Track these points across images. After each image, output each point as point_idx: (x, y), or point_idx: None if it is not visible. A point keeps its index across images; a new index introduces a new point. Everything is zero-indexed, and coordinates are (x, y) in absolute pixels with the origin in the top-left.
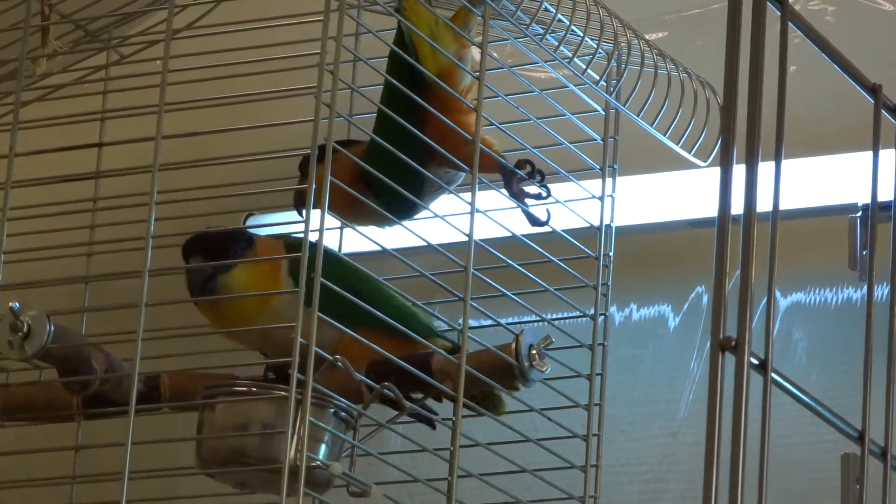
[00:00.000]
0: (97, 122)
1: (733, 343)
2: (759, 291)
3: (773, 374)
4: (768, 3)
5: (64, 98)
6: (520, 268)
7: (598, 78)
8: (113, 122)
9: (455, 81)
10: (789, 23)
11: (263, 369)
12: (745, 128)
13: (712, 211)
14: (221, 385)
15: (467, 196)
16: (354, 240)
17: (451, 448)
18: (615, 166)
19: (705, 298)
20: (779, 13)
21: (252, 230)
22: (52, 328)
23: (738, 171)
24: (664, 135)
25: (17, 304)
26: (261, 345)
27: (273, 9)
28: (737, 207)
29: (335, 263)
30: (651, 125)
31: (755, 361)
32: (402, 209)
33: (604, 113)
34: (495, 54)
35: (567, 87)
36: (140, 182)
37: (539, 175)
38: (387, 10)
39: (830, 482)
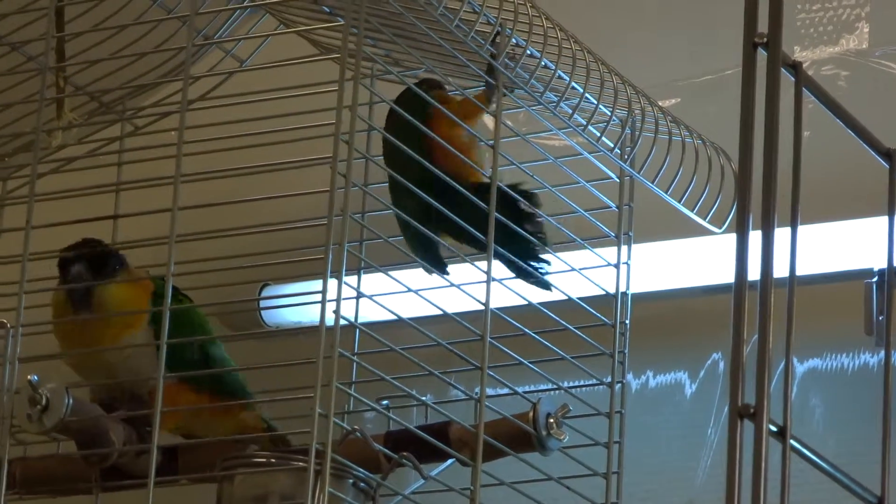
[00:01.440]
0: (112, 194)
1: (752, 410)
2: (774, 358)
3: (792, 441)
4: (782, 69)
5: (79, 170)
6: (536, 336)
7: (612, 145)
8: (127, 192)
9: (474, 154)
10: (803, 88)
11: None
12: (759, 194)
13: (727, 277)
14: (240, 456)
15: (483, 265)
16: (371, 309)
17: None
18: (630, 233)
19: (721, 365)
20: (793, 79)
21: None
22: (71, 401)
23: (754, 238)
24: (679, 202)
25: (36, 377)
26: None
27: (286, 79)
28: (752, 274)
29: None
30: (666, 192)
31: (773, 428)
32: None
33: (618, 180)
34: (509, 122)
35: (581, 154)
36: (156, 253)
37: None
38: (400, 80)
39: None
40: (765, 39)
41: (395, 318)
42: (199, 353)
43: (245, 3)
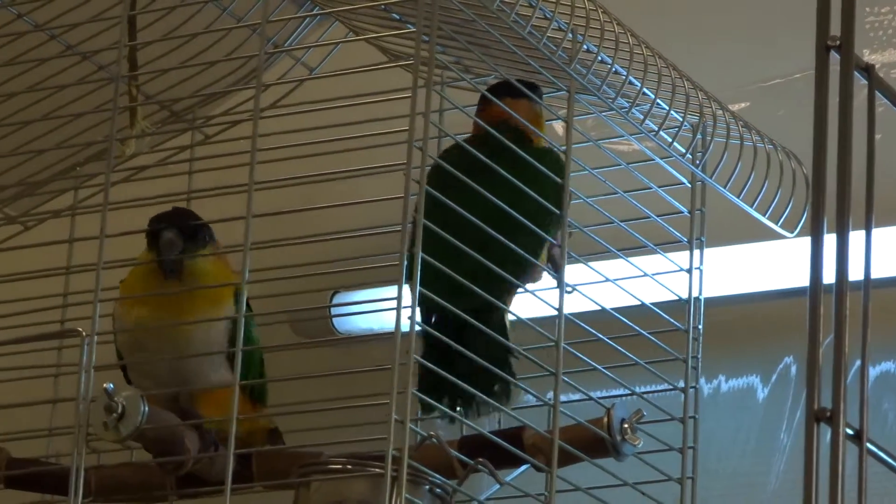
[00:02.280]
0: (183, 203)
1: (828, 414)
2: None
3: (869, 444)
4: (855, 72)
5: (149, 178)
6: (610, 341)
7: (684, 150)
8: (196, 201)
9: None
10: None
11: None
12: (832, 197)
13: (799, 281)
14: (316, 463)
15: None
16: None
17: None
18: (702, 238)
19: (794, 369)
20: (865, 82)
21: None
22: (147, 409)
23: (827, 241)
24: (751, 206)
25: (112, 385)
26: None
27: (355, 86)
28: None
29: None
30: (738, 197)
31: (850, 432)
32: None
33: (690, 185)
34: (580, 128)
35: (653, 160)
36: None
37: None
38: (473, 86)
39: None
40: (837, 42)
41: None
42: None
43: (315, 12)
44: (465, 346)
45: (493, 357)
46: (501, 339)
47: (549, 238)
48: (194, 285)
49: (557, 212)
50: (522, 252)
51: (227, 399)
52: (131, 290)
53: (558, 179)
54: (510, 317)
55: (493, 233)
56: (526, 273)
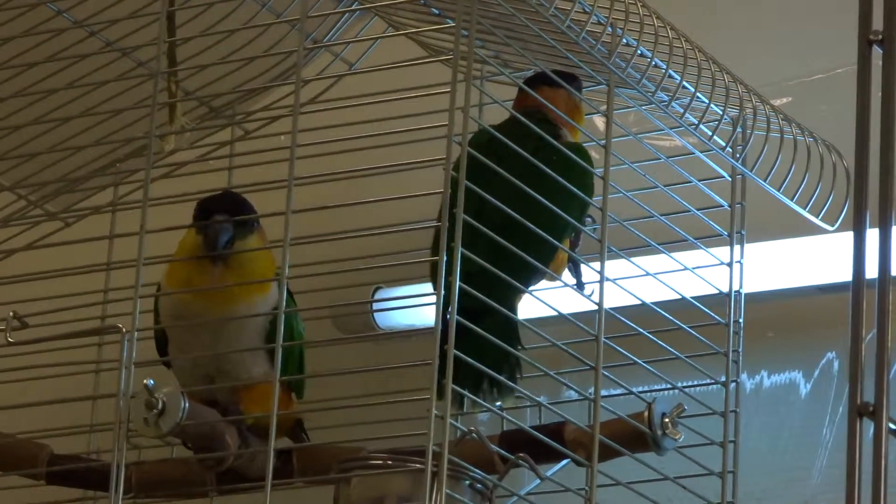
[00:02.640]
0: None
1: (871, 409)
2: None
3: None
4: None
5: (189, 174)
6: (650, 336)
7: (724, 144)
8: None
9: None
10: None
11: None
12: (874, 190)
13: (840, 276)
14: (357, 458)
15: (596, 265)
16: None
17: None
18: (743, 232)
19: (836, 364)
20: None
21: None
22: (187, 405)
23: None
24: (791, 199)
25: (152, 382)
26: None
27: (394, 81)
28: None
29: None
30: (778, 190)
31: (893, 426)
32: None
33: (730, 179)
34: (620, 122)
35: (693, 153)
36: None
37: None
38: (512, 80)
39: None
40: (880, 37)
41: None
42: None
43: (354, 7)
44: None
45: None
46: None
47: (576, 224)
48: (240, 270)
49: (587, 200)
50: (547, 237)
51: (267, 393)
52: (177, 273)
53: (590, 169)
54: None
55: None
56: (546, 259)
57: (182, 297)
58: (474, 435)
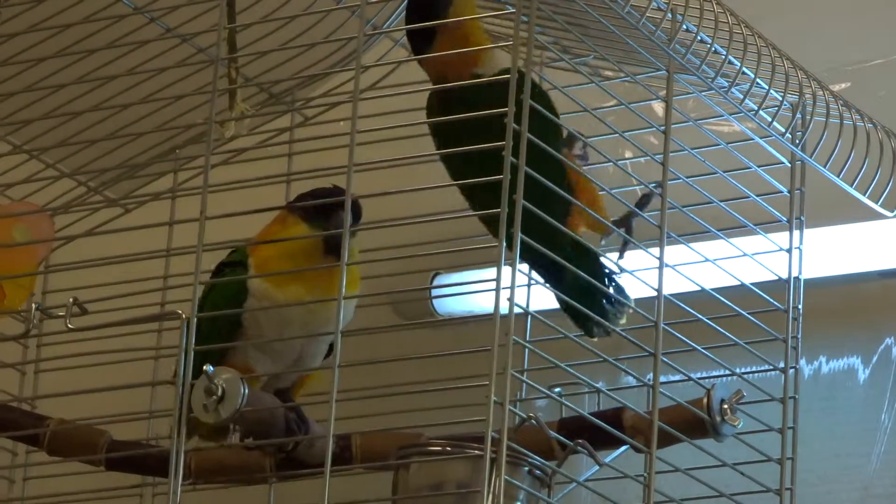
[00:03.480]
0: (280, 184)
1: None
2: None
3: None
4: None
5: (249, 161)
6: (709, 322)
7: (783, 130)
8: (296, 182)
9: None
10: None
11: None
12: None
13: None
14: (416, 445)
15: (655, 251)
16: (543, 296)
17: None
18: (802, 218)
19: (895, 349)
20: None
21: None
22: (246, 391)
23: None
24: (851, 185)
25: (212, 368)
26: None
27: None
28: None
29: None
30: (837, 176)
31: None
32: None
33: (790, 165)
34: (679, 108)
35: (752, 139)
36: None
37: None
38: (572, 67)
39: None
40: None
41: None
42: None
43: None
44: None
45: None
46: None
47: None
48: (350, 267)
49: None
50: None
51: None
52: (288, 264)
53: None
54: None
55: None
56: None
57: (296, 291)
58: (533, 421)
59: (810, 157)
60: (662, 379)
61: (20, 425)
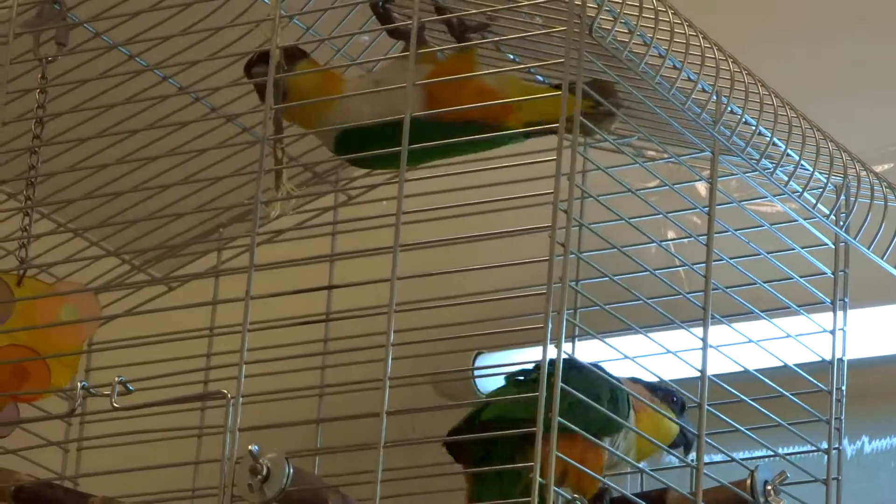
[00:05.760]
0: (323, 264)
1: None
2: None
3: None
4: None
5: (292, 240)
6: (752, 402)
7: (828, 212)
8: (339, 263)
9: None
10: None
11: None
12: None
13: None
14: None
15: (699, 331)
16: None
17: None
18: (846, 300)
19: None
20: None
21: None
22: (291, 471)
23: None
24: (894, 267)
25: (257, 448)
26: None
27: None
28: None
29: None
30: (881, 258)
31: None
32: None
33: (833, 246)
34: (722, 188)
35: (796, 220)
36: (367, 323)
37: None
38: (616, 147)
39: None
40: None
41: None
42: None
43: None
44: None
45: None
46: None
47: None
48: None
49: None
50: None
51: None
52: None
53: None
54: None
55: None
56: None
57: None
58: (578, 503)
59: (854, 238)
60: (706, 459)
61: (63, 503)
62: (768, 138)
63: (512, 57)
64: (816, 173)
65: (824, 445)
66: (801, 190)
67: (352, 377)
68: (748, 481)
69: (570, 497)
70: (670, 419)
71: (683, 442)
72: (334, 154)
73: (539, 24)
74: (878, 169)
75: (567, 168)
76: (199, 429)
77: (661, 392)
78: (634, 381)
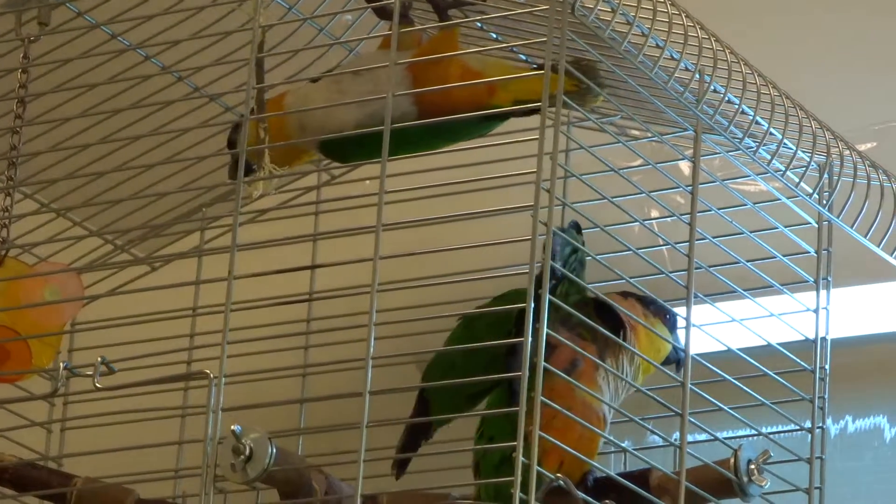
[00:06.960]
0: (305, 244)
1: None
2: None
3: None
4: None
5: (275, 220)
6: (736, 382)
7: (811, 191)
8: (322, 242)
9: None
10: None
11: None
12: None
13: None
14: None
15: (682, 310)
16: None
17: None
18: (829, 278)
19: None
20: None
21: None
22: (275, 451)
23: None
24: (878, 246)
25: (239, 428)
26: None
27: None
28: None
29: None
30: (864, 236)
31: None
32: None
33: (817, 225)
34: (705, 167)
35: (779, 199)
36: (352, 302)
37: None
38: (599, 127)
39: None
40: None
41: None
42: None
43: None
44: None
45: None
46: None
47: None
48: None
49: None
50: None
51: None
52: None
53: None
54: None
55: None
56: None
57: None
58: (561, 482)
59: (837, 217)
60: (689, 439)
61: (47, 483)
62: (751, 117)
63: (495, 36)
64: (800, 152)
65: (808, 424)
66: (784, 169)
67: (335, 357)
68: (732, 460)
69: (552, 477)
70: (663, 338)
71: (676, 359)
72: (320, 154)
73: (522, 2)
74: (862, 148)
75: (550, 147)
76: (182, 409)
77: (654, 307)
78: (626, 295)
